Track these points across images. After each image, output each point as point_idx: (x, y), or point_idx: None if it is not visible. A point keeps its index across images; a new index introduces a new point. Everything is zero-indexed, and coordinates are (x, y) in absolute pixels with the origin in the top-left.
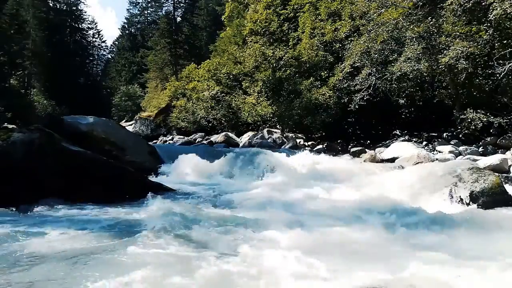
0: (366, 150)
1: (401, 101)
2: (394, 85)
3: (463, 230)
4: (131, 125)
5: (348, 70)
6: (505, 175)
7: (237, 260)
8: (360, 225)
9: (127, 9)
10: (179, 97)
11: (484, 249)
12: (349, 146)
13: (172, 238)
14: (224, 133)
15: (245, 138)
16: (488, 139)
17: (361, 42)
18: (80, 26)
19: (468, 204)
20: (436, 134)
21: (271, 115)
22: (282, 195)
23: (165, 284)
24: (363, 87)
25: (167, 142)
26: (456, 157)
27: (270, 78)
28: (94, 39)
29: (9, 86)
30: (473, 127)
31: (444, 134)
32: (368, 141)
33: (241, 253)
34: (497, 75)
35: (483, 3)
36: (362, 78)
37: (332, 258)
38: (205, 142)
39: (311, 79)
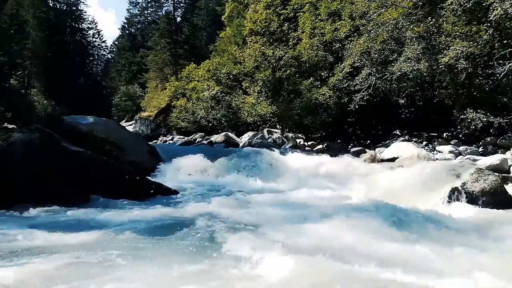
0: (366, 150)
1: (401, 101)
2: (394, 85)
3: (462, 229)
4: (131, 125)
5: (348, 70)
6: (505, 175)
7: (235, 261)
8: (360, 225)
9: (127, 9)
10: (179, 97)
11: (483, 249)
12: (349, 146)
13: (171, 238)
14: (224, 133)
15: (245, 138)
16: (488, 139)
17: (361, 42)
18: (80, 26)
19: (468, 204)
20: (436, 134)
21: (271, 115)
22: (282, 195)
23: (160, 285)
24: (363, 87)
25: (167, 142)
26: (456, 157)
27: (270, 78)
28: (94, 39)
29: (9, 86)
30: (473, 127)
31: (444, 134)
32: (368, 141)
33: (239, 254)
34: (497, 75)
35: (483, 3)
36: (362, 78)
37: (330, 259)
38: (205, 142)
39: (311, 79)
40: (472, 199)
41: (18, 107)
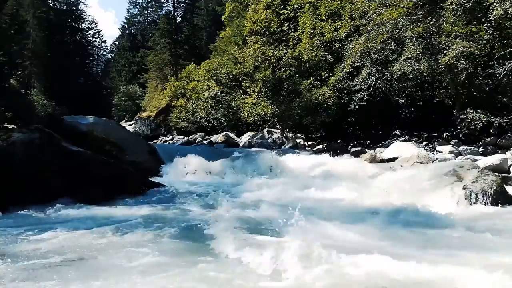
0: (366, 150)
1: (401, 101)
2: (394, 85)
3: (462, 229)
4: (131, 125)
5: (348, 70)
6: (505, 175)
7: (230, 262)
8: (360, 225)
9: (127, 9)
10: (179, 97)
11: (483, 248)
12: (349, 146)
13: (170, 238)
14: (224, 133)
15: (245, 138)
16: (488, 139)
17: (361, 42)
18: (80, 26)
19: (467, 204)
20: (436, 134)
21: (271, 115)
22: (282, 195)
23: (156, 284)
24: (363, 87)
25: (167, 142)
26: (456, 157)
27: (270, 78)
28: (94, 39)
29: (9, 86)
30: (473, 127)
31: (444, 134)
32: (368, 141)
33: (234, 255)
34: (497, 75)
35: (483, 3)
36: (362, 78)
37: (329, 258)
38: (205, 142)
39: (311, 79)
40: (472, 199)
41: (18, 107)
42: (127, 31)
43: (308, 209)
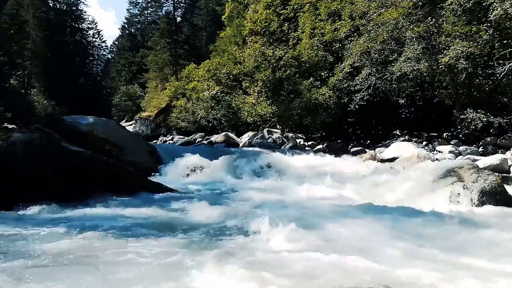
0: (366, 150)
1: (401, 101)
2: (394, 85)
3: (462, 229)
4: (131, 125)
5: (348, 70)
6: (505, 175)
7: (228, 262)
8: (359, 225)
9: (127, 9)
10: (179, 97)
11: (483, 248)
12: (349, 146)
13: (169, 239)
14: (224, 133)
15: (245, 138)
16: (488, 139)
17: (361, 42)
18: (80, 26)
19: (468, 204)
20: (436, 134)
21: (271, 115)
22: (282, 195)
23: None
24: (363, 87)
25: (167, 142)
26: (456, 157)
27: (270, 78)
28: (94, 39)
29: (9, 86)
30: (473, 127)
31: (444, 134)
32: (368, 141)
33: (235, 255)
34: (497, 75)
35: (483, 3)
36: (362, 78)
37: (331, 257)
38: (205, 142)
39: (311, 79)
40: (472, 199)
41: (18, 107)
42: (127, 31)
43: (307, 209)
